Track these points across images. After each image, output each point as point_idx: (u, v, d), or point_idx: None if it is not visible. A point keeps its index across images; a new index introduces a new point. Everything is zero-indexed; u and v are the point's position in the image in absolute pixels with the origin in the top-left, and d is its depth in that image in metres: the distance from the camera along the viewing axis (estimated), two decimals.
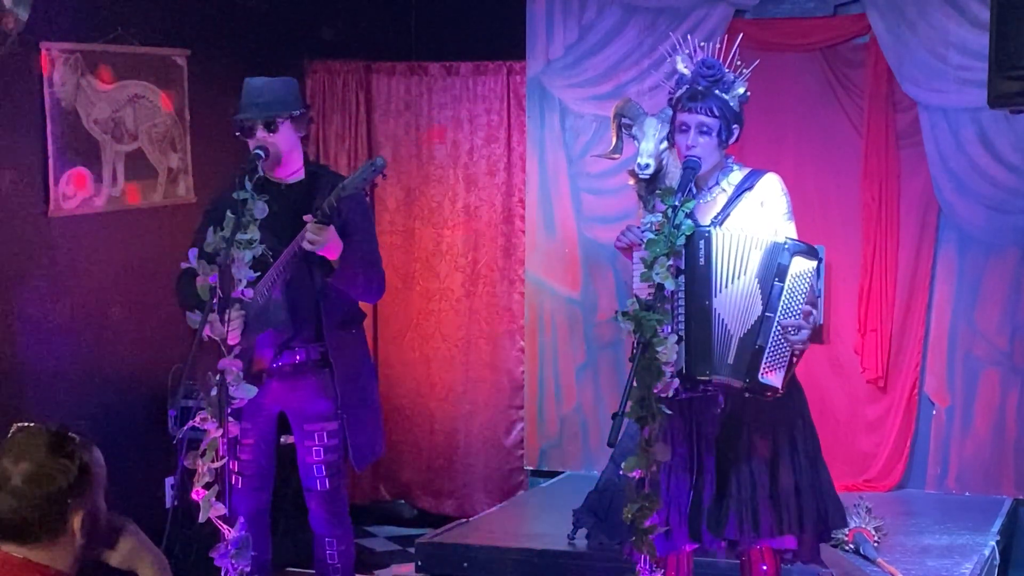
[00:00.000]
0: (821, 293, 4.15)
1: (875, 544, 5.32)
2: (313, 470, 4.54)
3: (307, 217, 4.31)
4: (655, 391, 3.95)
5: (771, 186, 4.22)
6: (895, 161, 6.21)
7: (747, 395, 4.10)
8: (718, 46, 4.24)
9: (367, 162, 4.43)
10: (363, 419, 4.64)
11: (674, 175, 4.82)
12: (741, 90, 4.18)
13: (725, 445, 4.19)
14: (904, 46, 6.05)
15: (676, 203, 4.03)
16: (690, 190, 4.10)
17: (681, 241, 4.00)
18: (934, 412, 6.25)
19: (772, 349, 4.03)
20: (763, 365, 4.02)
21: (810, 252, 4.08)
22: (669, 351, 3.96)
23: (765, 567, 4.29)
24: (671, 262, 3.98)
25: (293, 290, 4.44)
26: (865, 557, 5.23)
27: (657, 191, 4.44)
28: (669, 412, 4.01)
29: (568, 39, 6.59)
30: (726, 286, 4.07)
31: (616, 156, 5.31)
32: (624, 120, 5.15)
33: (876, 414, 6.32)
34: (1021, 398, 6.10)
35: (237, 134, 4.50)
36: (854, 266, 6.27)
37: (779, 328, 4.02)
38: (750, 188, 4.22)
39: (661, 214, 4.06)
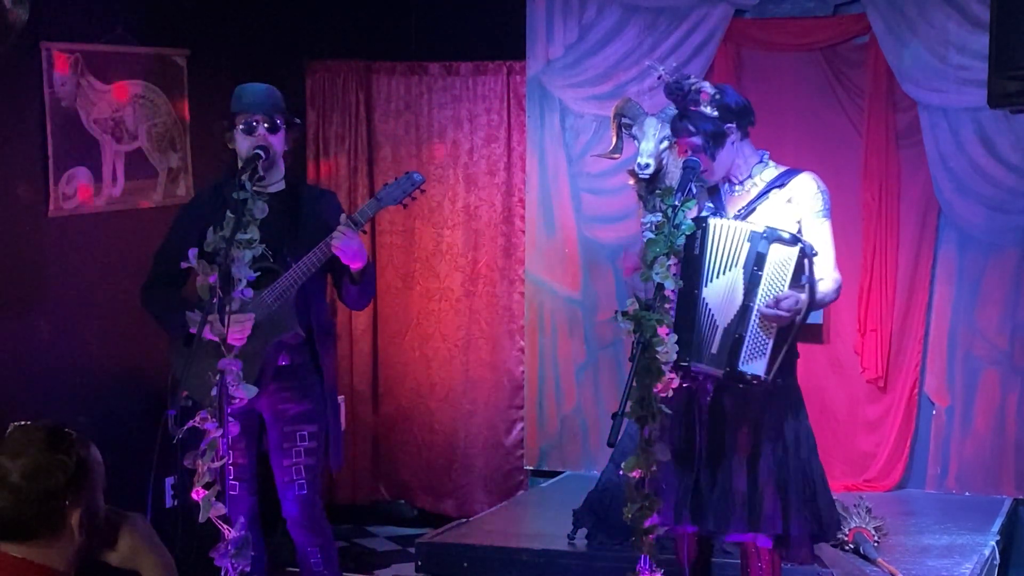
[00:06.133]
0: (810, 282, 4.15)
1: (875, 544, 5.31)
2: (293, 473, 4.54)
3: (342, 218, 4.43)
4: (655, 391, 3.97)
5: (803, 185, 4.27)
6: (895, 161, 6.21)
7: (740, 385, 4.16)
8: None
9: (405, 175, 4.54)
10: (337, 423, 4.70)
11: (674, 175, 4.83)
12: (710, 90, 4.21)
13: (710, 438, 4.24)
14: (904, 46, 6.05)
15: (676, 203, 4.06)
16: (690, 190, 4.14)
17: (681, 241, 4.05)
18: (934, 412, 6.25)
19: (752, 338, 4.09)
20: (743, 354, 4.09)
21: (790, 240, 4.11)
22: (669, 351, 3.98)
23: (762, 565, 4.31)
24: (671, 262, 4.01)
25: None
26: (865, 557, 5.23)
27: (657, 191, 4.46)
28: (669, 412, 4.04)
29: (568, 39, 6.59)
30: (716, 276, 4.14)
31: (616, 156, 5.32)
32: (624, 120, 5.16)
33: (876, 414, 6.32)
34: (1021, 398, 6.10)
35: (231, 131, 4.51)
36: (854, 266, 6.26)
37: (758, 316, 4.08)
38: (781, 186, 4.27)
39: (661, 214, 4.09)
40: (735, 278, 4.14)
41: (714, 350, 4.14)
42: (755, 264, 4.10)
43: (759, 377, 4.13)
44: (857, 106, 6.26)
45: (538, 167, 6.70)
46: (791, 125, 6.35)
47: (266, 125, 4.47)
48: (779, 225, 4.19)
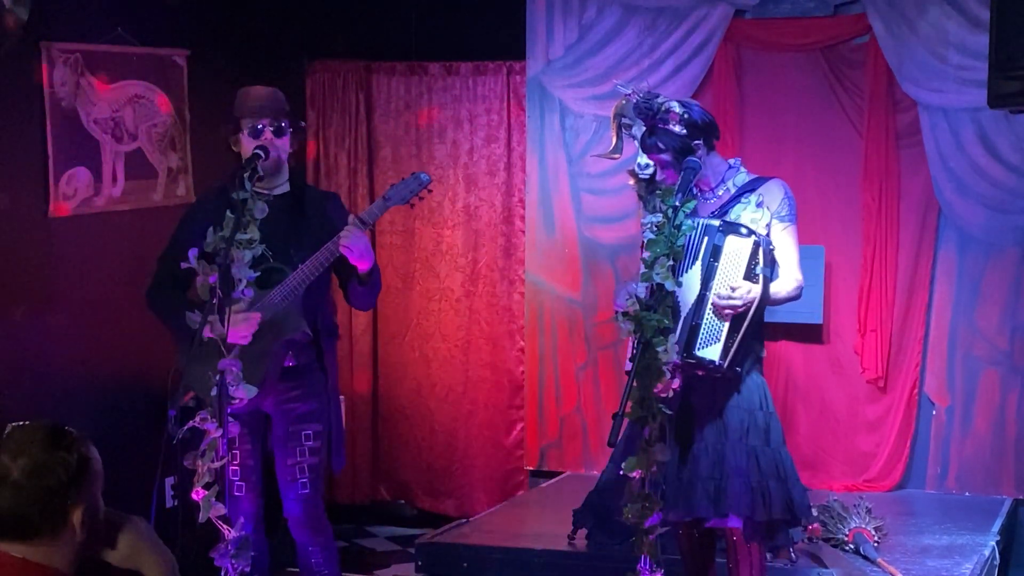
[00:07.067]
0: (763, 274, 4.33)
1: (875, 544, 5.32)
2: (296, 472, 4.55)
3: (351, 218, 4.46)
4: (655, 391, 4.00)
5: (772, 190, 4.43)
6: (895, 161, 6.21)
7: (699, 372, 4.31)
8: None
9: (412, 175, 4.60)
10: (339, 424, 4.72)
11: None
12: (678, 109, 4.36)
13: (679, 428, 4.32)
14: (904, 46, 6.05)
15: (676, 203, 4.13)
16: (691, 190, 4.21)
17: (681, 241, 4.13)
18: (934, 412, 6.25)
19: (707, 325, 4.27)
20: (699, 340, 4.26)
21: (746, 233, 4.30)
22: (669, 351, 4.01)
23: (751, 553, 4.40)
24: (671, 262, 4.07)
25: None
26: (865, 557, 5.23)
27: (657, 191, 4.48)
28: (670, 412, 4.07)
29: (568, 39, 6.59)
30: (685, 272, 4.29)
31: (616, 156, 5.32)
32: (624, 120, 5.16)
33: (876, 414, 6.32)
34: (1021, 398, 6.10)
35: (236, 135, 4.53)
36: (854, 266, 6.27)
37: (712, 304, 4.25)
38: (752, 190, 4.43)
39: (661, 214, 4.16)
40: (697, 270, 4.30)
41: (676, 338, 4.25)
42: (711, 256, 4.29)
43: (714, 363, 4.27)
44: (857, 106, 6.26)
45: (538, 167, 6.70)
46: (791, 125, 6.35)
47: (272, 129, 4.50)
48: (749, 227, 4.34)
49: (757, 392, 4.40)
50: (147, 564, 2.55)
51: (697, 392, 4.36)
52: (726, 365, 4.28)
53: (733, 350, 4.27)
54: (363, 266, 4.47)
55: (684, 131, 4.34)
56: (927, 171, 6.12)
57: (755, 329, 4.38)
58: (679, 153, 4.33)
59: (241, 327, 4.20)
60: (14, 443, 2.41)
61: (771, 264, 4.36)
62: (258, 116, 4.50)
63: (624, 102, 5.26)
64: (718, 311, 4.25)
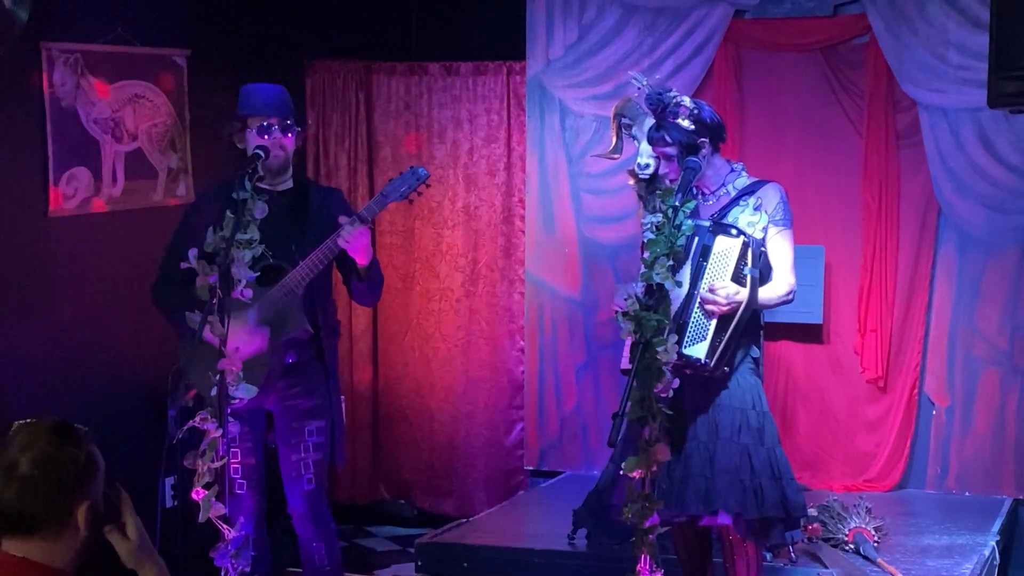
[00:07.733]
0: (751, 275, 4.37)
1: (875, 544, 5.32)
2: (300, 468, 4.55)
3: (342, 219, 4.44)
4: (655, 391, 4.01)
5: (768, 193, 4.45)
6: (895, 161, 6.21)
7: (687, 371, 4.30)
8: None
9: (410, 170, 4.59)
10: (341, 420, 4.73)
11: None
12: (689, 104, 4.38)
13: (671, 426, 4.31)
14: (904, 46, 6.05)
15: (676, 203, 4.14)
16: (691, 190, 4.22)
17: (681, 241, 4.14)
18: (934, 412, 6.25)
19: (694, 323, 4.29)
20: (685, 338, 4.27)
21: (736, 233, 4.33)
22: (669, 351, 4.02)
23: (747, 552, 4.42)
24: (671, 262, 4.08)
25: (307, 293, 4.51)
26: (865, 557, 5.23)
27: (657, 191, 4.49)
28: (670, 412, 4.08)
29: (568, 39, 6.59)
30: (680, 269, 4.30)
31: (616, 156, 5.33)
32: (624, 120, 5.17)
33: (876, 414, 6.32)
34: (1021, 398, 6.10)
35: (242, 132, 4.53)
36: (854, 266, 6.28)
37: (699, 303, 4.29)
38: (750, 193, 4.44)
39: (661, 214, 4.17)
40: (687, 270, 4.33)
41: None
42: (701, 255, 4.32)
43: (700, 361, 4.29)
44: (857, 106, 6.26)
45: (538, 167, 6.70)
46: (791, 125, 6.36)
47: (279, 127, 4.50)
48: (746, 229, 4.36)
49: (750, 392, 4.41)
50: (147, 567, 2.54)
51: (688, 391, 4.36)
52: (712, 364, 4.30)
53: (720, 349, 4.29)
54: (361, 261, 4.47)
55: (692, 127, 4.35)
56: (927, 171, 6.13)
57: (749, 330, 4.39)
58: (685, 148, 4.34)
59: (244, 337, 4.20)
60: (22, 438, 2.43)
61: (763, 267, 4.37)
62: (266, 114, 4.51)
63: (626, 102, 5.27)
64: (704, 309, 4.28)
